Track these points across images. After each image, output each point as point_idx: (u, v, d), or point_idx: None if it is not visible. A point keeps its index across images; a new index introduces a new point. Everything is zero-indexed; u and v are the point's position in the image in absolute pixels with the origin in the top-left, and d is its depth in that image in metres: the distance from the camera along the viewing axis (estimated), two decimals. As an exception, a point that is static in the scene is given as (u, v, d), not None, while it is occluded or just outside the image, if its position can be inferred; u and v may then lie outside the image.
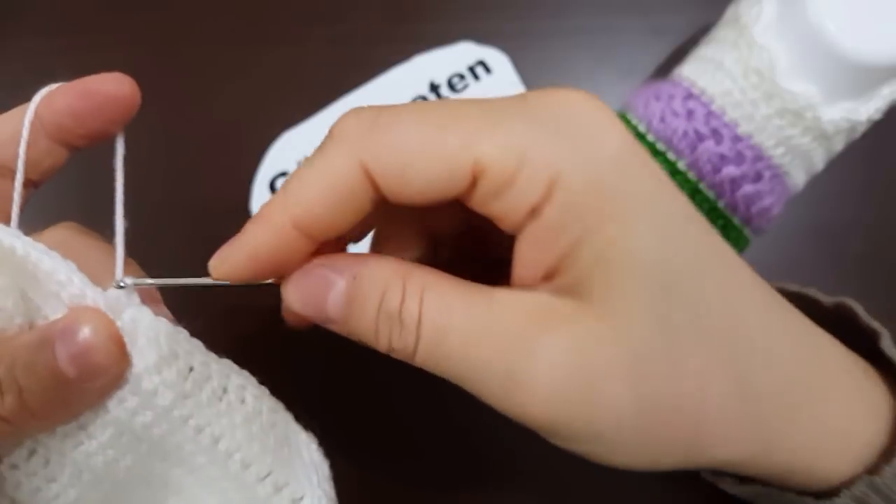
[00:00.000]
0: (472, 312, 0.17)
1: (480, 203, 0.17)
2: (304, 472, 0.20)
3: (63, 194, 0.41)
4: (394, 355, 0.18)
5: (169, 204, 0.38)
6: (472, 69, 0.40)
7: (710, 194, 0.30)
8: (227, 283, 0.18)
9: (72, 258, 0.18)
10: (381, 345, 0.18)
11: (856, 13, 0.28)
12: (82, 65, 0.40)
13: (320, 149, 0.18)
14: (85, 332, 0.17)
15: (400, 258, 0.18)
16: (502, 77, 0.40)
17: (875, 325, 0.20)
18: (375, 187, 0.17)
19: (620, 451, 0.17)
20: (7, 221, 0.20)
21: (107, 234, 0.22)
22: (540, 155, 0.16)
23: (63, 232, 0.21)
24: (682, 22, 0.40)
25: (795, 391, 0.18)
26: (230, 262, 0.18)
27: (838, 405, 0.19)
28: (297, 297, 0.18)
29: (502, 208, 0.16)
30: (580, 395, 0.16)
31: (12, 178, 0.21)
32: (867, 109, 0.30)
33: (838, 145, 0.31)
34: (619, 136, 0.17)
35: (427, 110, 0.17)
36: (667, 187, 0.17)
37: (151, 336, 0.18)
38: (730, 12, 0.32)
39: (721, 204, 0.31)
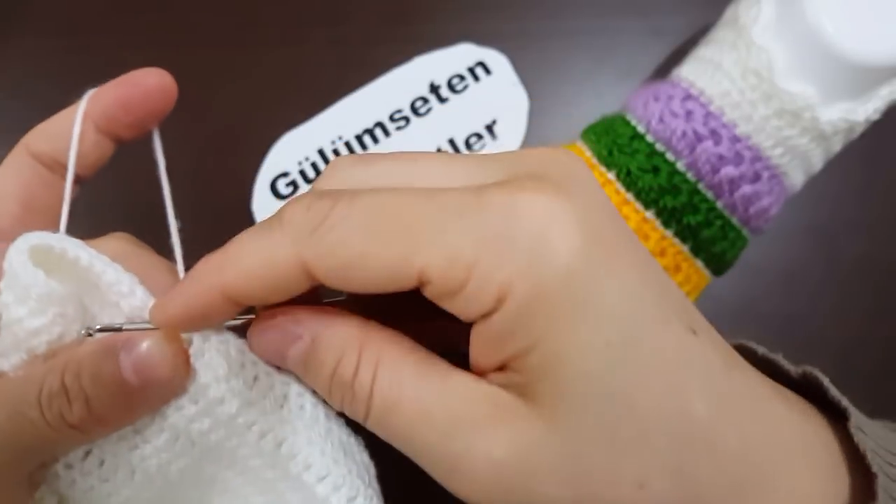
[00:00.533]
0: (422, 394, 0.17)
1: (431, 296, 0.17)
2: (357, 473, 0.21)
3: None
4: (349, 415, 0.18)
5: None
6: (471, 70, 0.40)
7: (709, 195, 0.31)
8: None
9: (129, 269, 0.19)
10: (335, 406, 0.18)
11: (854, 14, 0.28)
12: (83, 66, 0.41)
13: (267, 226, 0.18)
14: (148, 344, 0.17)
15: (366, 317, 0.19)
16: (502, 78, 0.40)
17: (844, 402, 0.19)
18: (312, 279, 0.17)
19: None
20: (44, 209, 0.22)
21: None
22: (488, 267, 0.16)
23: (118, 243, 0.21)
24: (681, 23, 0.40)
25: (743, 490, 0.17)
26: (166, 311, 0.18)
27: (790, 491, 0.18)
28: (260, 348, 0.19)
29: (452, 307, 0.17)
30: (518, 493, 0.16)
31: (62, 174, 0.22)
32: (865, 110, 0.30)
33: (836, 146, 0.31)
34: (575, 241, 0.16)
35: (376, 214, 0.16)
36: (630, 283, 0.17)
37: (222, 348, 0.19)
38: (728, 13, 0.32)
39: (720, 204, 0.31)
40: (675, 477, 0.17)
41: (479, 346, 0.17)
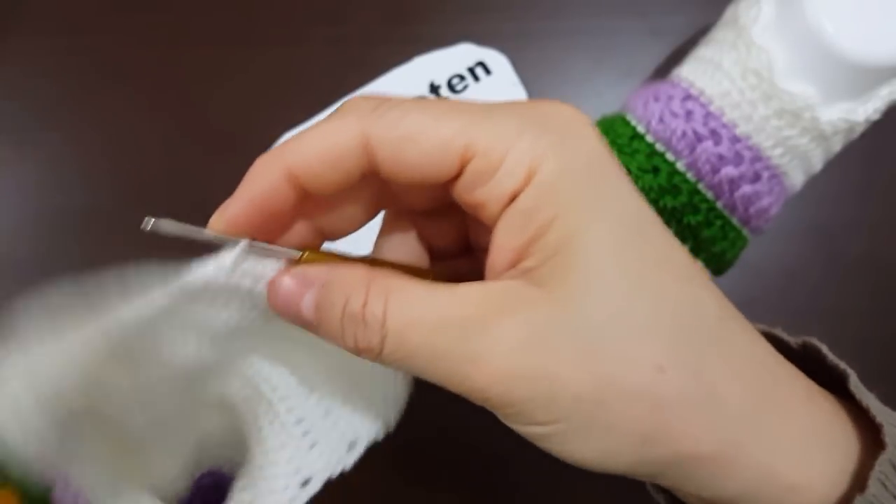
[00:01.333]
0: (435, 306, 0.18)
1: (466, 188, 0.18)
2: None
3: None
4: (362, 356, 0.19)
5: (169, 204, 0.38)
6: (471, 70, 0.40)
7: (709, 195, 0.31)
8: (235, 239, 0.19)
9: None
10: (349, 345, 0.19)
11: (854, 14, 0.28)
12: (83, 66, 0.41)
13: (326, 118, 0.19)
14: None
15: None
16: (502, 78, 0.40)
17: (842, 364, 0.20)
18: (368, 160, 0.19)
19: (578, 437, 0.17)
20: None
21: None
22: (524, 145, 0.18)
23: None
24: (681, 23, 0.40)
25: (757, 401, 0.18)
26: (226, 214, 0.20)
27: (802, 428, 0.18)
28: (276, 303, 0.20)
29: (485, 195, 0.18)
30: (536, 374, 0.17)
31: None
32: (865, 110, 0.30)
33: (836, 146, 0.31)
34: (596, 142, 0.19)
35: (428, 102, 0.19)
36: (635, 194, 0.18)
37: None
38: (728, 13, 0.32)
39: (720, 204, 0.31)
40: (692, 368, 0.17)
41: (501, 238, 0.18)
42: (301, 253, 0.19)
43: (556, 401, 0.17)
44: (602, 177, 0.18)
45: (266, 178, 0.19)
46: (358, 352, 0.19)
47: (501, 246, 0.18)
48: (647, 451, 0.17)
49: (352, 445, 0.25)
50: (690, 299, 0.18)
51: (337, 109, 0.19)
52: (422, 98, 0.19)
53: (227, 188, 0.42)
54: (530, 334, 0.17)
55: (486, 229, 0.19)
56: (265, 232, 0.20)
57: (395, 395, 0.25)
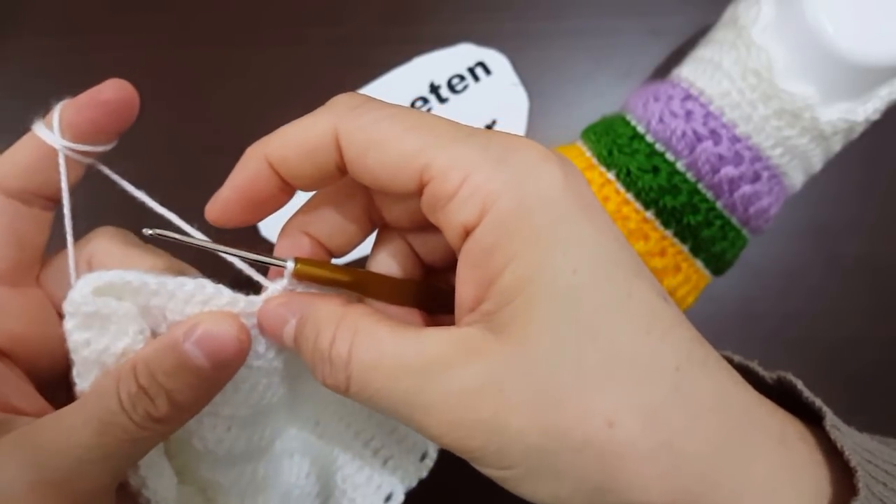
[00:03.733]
0: (398, 350, 0.18)
1: (428, 209, 0.19)
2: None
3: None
4: (333, 389, 0.19)
5: (169, 204, 0.38)
6: (471, 70, 0.40)
7: (709, 194, 0.31)
8: (242, 255, 0.20)
9: (118, 264, 0.21)
10: (318, 379, 0.19)
11: (853, 14, 0.28)
12: (84, 66, 0.41)
13: (312, 112, 0.20)
14: (206, 326, 0.19)
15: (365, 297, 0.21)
16: (502, 78, 0.40)
17: (817, 402, 0.20)
18: (340, 156, 0.19)
19: (530, 482, 0.17)
20: (35, 244, 0.23)
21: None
22: (480, 178, 0.17)
23: (102, 241, 0.23)
24: (681, 23, 0.40)
25: (718, 448, 0.17)
26: (218, 201, 0.21)
27: (769, 472, 0.18)
28: (265, 328, 0.21)
29: (444, 220, 0.18)
30: (486, 425, 0.17)
31: (39, 204, 0.22)
32: (865, 110, 0.30)
33: (836, 146, 0.31)
34: (558, 178, 0.18)
35: (404, 114, 0.19)
36: (602, 232, 0.18)
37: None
38: (728, 13, 0.32)
39: (719, 204, 0.31)
40: (646, 419, 0.17)
41: (463, 273, 0.18)
42: (294, 263, 0.20)
43: (506, 450, 0.17)
44: (560, 217, 0.17)
45: (251, 167, 0.20)
46: (328, 387, 0.19)
47: (464, 282, 0.18)
48: (599, 499, 0.17)
49: (424, 455, 0.26)
50: (646, 350, 0.17)
51: (325, 104, 0.20)
52: (404, 108, 0.19)
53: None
54: (483, 384, 0.17)
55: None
56: (255, 217, 0.21)
57: (427, 445, 0.26)
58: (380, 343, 0.18)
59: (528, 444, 0.17)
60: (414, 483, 0.26)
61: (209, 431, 0.22)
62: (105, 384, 0.19)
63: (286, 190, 0.21)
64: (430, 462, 0.26)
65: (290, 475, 0.27)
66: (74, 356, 0.20)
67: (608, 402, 0.17)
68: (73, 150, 0.22)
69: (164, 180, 0.39)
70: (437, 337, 0.18)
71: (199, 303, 0.20)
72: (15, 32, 0.41)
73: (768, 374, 0.21)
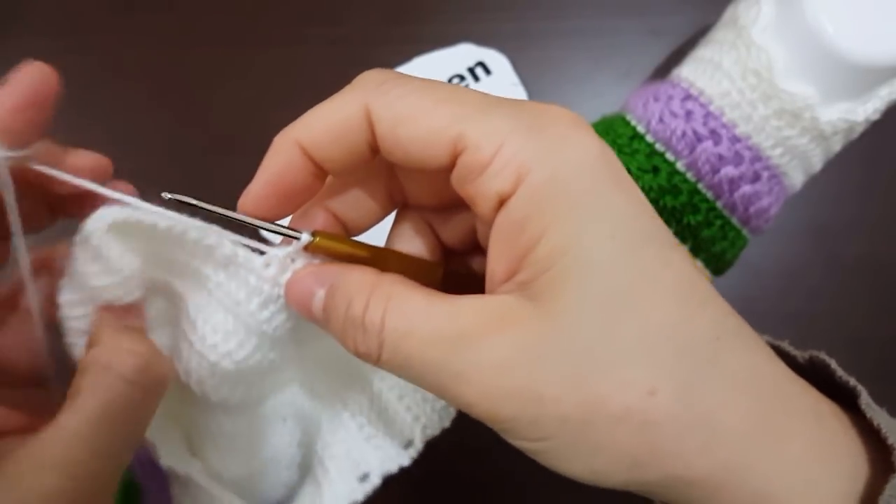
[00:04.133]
0: (432, 317, 0.18)
1: (459, 182, 0.18)
2: None
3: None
4: (363, 358, 0.19)
5: (169, 204, 0.38)
6: (471, 70, 0.40)
7: (709, 194, 0.31)
8: (259, 224, 0.20)
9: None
10: (350, 348, 0.19)
11: (853, 14, 0.28)
12: (84, 66, 0.41)
13: (339, 93, 0.20)
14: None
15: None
16: (502, 78, 0.40)
17: (852, 381, 0.19)
18: (373, 135, 0.19)
19: (566, 455, 0.17)
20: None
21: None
22: (514, 148, 0.17)
23: None
24: (681, 23, 0.40)
25: (756, 423, 0.17)
26: (250, 195, 0.20)
27: (805, 450, 0.17)
28: (292, 300, 0.20)
29: (476, 191, 0.18)
30: (521, 394, 0.17)
31: None
32: (865, 110, 0.30)
33: (836, 146, 0.31)
34: (592, 148, 0.18)
35: (433, 87, 0.19)
36: (635, 204, 0.18)
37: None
38: (728, 13, 0.32)
39: (719, 204, 0.31)
40: (684, 391, 0.17)
41: (496, 246, 0.18)
42: (313, 237, 0.20)
43: (541, 420, 0.17)
44: (595, 186, 0.17)
45: (282, 155, 0.20)
46: (358, 355, 0.19)
47: (497, 255, 0.18)
48: (637, 473, 0.17)
49: (409, 443, 0.25)
50: (683, 319, 0.17)
51: (351, 83, 0.20)
52: (432, 81, 0.19)
53: (228, 188, 0.42)
54: (518, 353, 0.17)
55: (489, 229, 0.19)
56: (290, 208, 0.21)
57: (416, 436, 0.25)
58: (414, 310, 0.18)
59: (563, 414, 0.16)
60: (394, 468, 0.25)
61: (209, 377, 0.22)
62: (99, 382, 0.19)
63: (320, 176, 0.20)
64: (413, 452, 0.25)
65: (280, 440, 0.27)
66: (67, 308, 0.20)
67: (647, 373, 0.16)
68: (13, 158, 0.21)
69: (164, 180, 0.39)
70: (472, 305, 0.18)
71: (204, 250, 0.20)
72: (15, 32, 0.41)
73: (800, 354, 0.21)
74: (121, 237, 0.19)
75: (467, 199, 0.18)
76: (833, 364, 0.20)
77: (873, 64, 0.28)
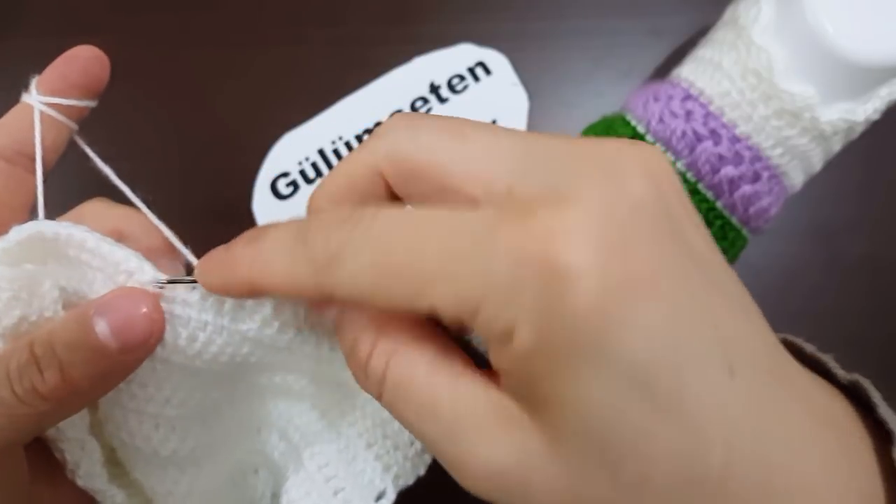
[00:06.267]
0: (432, 389, 0.17)
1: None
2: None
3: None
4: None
5: (170, 204, 0.38)
6: (471, 70, 0.40)
7: (709, 194, 0.31)
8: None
9: (109, 228, 0.20)
10: (355, 379, 0.19)
11: (854, 14, 0.28)
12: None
13: (294, 238, 0.18)
14: (120, 301, 0.18)
15: None
16: (502, 78, 0.40)
17: (890, 424, 0.18)
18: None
19: None
20: (24, 208, 0.22)
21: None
22: (494, 310, 0.15)
23: (93, 204, 0.23)
24: (681, 23, 0.40)
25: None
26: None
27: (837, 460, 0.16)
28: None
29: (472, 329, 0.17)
30: (514, 495, 0.17)
31: (24, 164, 0.23)
32: (865, 110, 0.30)
33: (836, 146, 0.31)
34: (591, 281, 0.15)
35: (387, 253, 0.16)
36: (656, 319, 0.15)
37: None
38: (728, 13, 0.32)
39: (719, 204, 0.31)
40: None
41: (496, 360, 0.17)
42: None
43: None
44: (595, 330, 0.15)
45: (234, 286, 0.18)
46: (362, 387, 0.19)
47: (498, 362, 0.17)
48: None
49: (380, 495, 0.24)
50: (693, 447, 0.15)
51: (302, 228, 0.18)
52: (386, 232, 0.17)
53: (228, 187, 0.42)
54: (517, 460, 0.16)
55: None
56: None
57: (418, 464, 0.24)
58: (414, 378, 0.17)
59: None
60: (410, 481, 0.24)
61: (136, 426, 0.21)
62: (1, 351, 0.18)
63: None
64: (428, 458, 0.24)
65: (252, 493, 0.25)
66: None
67: None
68: (50, 105, 0.22)
69: (164, 180, 0.39)
70: (473, 396, 0.17)
71: (125, 273, 0.18)
72: (15, 32, 0.41)
73: (843, 375, 0.19)
74: (38, 258, 0.18)
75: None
76: (875, 398, 0.18)
77: (873, 64, 0.28)
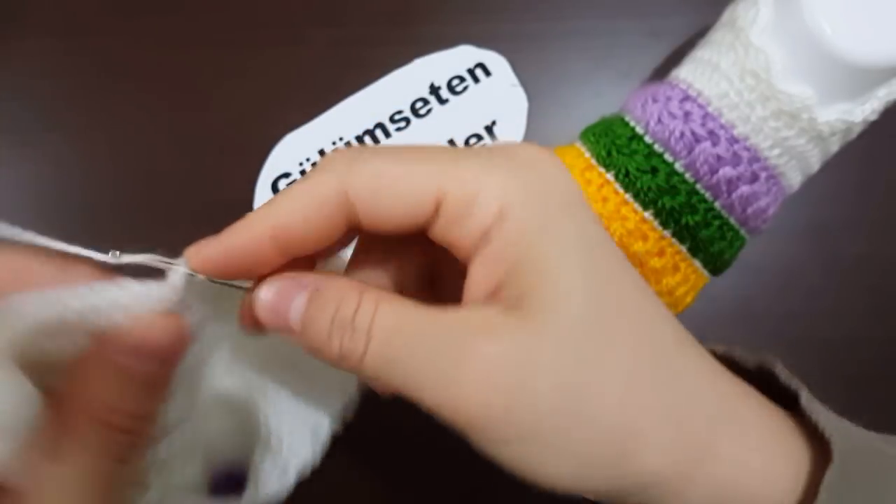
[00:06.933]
0: (420, 319, 0.19)
1: (442, 230, 0.19)
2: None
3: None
4: (342, 363, 0.19)
5: (171, 205, 0.38)
6: (471, 71, 0.40)
7: (707, 195, 0.31)
8: (203, 277, 0.20)
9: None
10: (333, 349, 0.19)
11: (852, 15, 0.28)
12: (85, 66, 0.41)
13: (307, 175, 0.20)
14: (135, 335, 0.18)
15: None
16: (501, 79, 0.40)
17: (794, 384, 0.21)
18: (350, 213, 0.19)
19: (547, 456, 0.18)
20: None
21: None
22: (493, 188, 0.19)
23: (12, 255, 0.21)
24: (680, 24, 0.40)
25: (716, 417, 0.19)
26: (204, 253, 0.20)
27: (761, 441, 0.19)
28: (265, 304, 0.20)
29: (459, 234, 0.19)
30: (510, 394, 0.17)
31: None
32: (863, 111, 0.30)
33: (834, 146, 0.31)
34: (563, 181, 0.19)
35: (402, 150, 0.20)
36: (601, 231, 0.20)
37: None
38: (726, 14, 0.32)
39: (718, 205, 0.31)
40: (651, 393, 0.18)
41: (477, 273, 0.19)
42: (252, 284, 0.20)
43: (524, 422, 0.17)
44: (569, 215, 0.19)
45: (249, 235, 0.19)
46: (340, 358, 0.19)
47: (477, 280, 0.19)
48: (619, 470, 0.18)
49: (315, 433, 0.27)
50: (653, 335, 0.19)
51: (317, 165, 0.20)
52: (399, 148, 0.20)
53: (229, 188, 0.42)
54: (506, 357, 0.18)
55: (455, 259, 0.20)
56: (235, 276, 0.20)
57: (349, 387, 0.27)
58: (404, 308, 0.19)
59: (547, 407, 0.17)
60: (307, 465, 0.27)
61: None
62: (76, 450, 0.18)
63: (281, 257, 0.20)
64: (320, 442, 0.27)
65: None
66: None
67: (622, 381, 0.18)
68: None
69: (164, 181, 0.39)
70: (460, 314, 0.19)
71: (122, 307, 0.19)
72: (16, 33, 0.41)
73: (750, 358, 0.22)
74: None
75: (449, 243, 0.19)
76: (778, 368, 0.22)
77: (871, 65, 0.28)
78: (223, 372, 0.27)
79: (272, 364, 0.27)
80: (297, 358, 0.26)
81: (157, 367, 0.19)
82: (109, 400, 0.19)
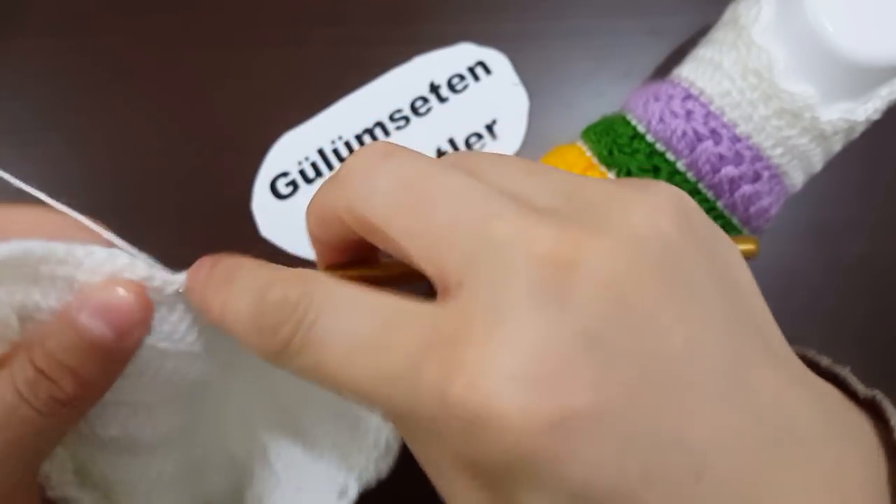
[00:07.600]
0: (358, 309, 0.16)
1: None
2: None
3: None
4: (275, 360, 0.17)
5: (170, 204, 0.38)
6: (471, 70, 0.40)
7: (709, 194, 0.31)
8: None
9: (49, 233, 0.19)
10: (262, 338, 0.17)
11: (854, 14, 0.28)
12: (85, 66, 0.41)
13: (265, 316, 0.17)
14: (101, 294, 0.18)
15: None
16: (502, 77, 0.40)
17: (876, 394, 0.18)
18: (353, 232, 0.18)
19: (417, 443, 0.16)
20: None
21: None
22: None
23: (33, 210, 0.21)
24: (681, 23, 0.40)
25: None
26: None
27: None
28: (196, 279, 0.19)
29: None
30: (402, 374, 0.16)
31: None
32: (865, 110, 0.30)
33: (836, 146, 0.31)
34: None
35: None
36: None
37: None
38: (728, 13, 0.32)
39: (720, 204, 0.31)
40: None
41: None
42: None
43: (409, 404, 0.15)
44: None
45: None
46: (267, 348, 0.17)
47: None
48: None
49: (342, 493, 0.24)
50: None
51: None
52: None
53: (228, 187, 0.42)
54: (424, 339, 0.15)
55: None
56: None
57: (388, 442, 0.23)
58: (338, 285, 0.16)
59: (430, 407, 0.14)
60: (373, 481, 0.24)
61: (113, 416, 0.21)
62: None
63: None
64: (390, 459, 0.23)
65: (212, 486, 0.26)
66: None
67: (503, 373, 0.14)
68: None
69: (163, 180, 0.39)
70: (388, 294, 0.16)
71: (110, 274, 0.18)
72: (16, 33, 0.41)
73: (862, 390, 0.19)
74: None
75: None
76: (893, 419, 0.18)
77: (874, 64, 0.28)
78: (239, 416, 0.25)
79: (305, 406, 0.25)
80: (335, 402, 0.24)
81: (109, 334, 0.18)
82: (49, 345, 0.18)
